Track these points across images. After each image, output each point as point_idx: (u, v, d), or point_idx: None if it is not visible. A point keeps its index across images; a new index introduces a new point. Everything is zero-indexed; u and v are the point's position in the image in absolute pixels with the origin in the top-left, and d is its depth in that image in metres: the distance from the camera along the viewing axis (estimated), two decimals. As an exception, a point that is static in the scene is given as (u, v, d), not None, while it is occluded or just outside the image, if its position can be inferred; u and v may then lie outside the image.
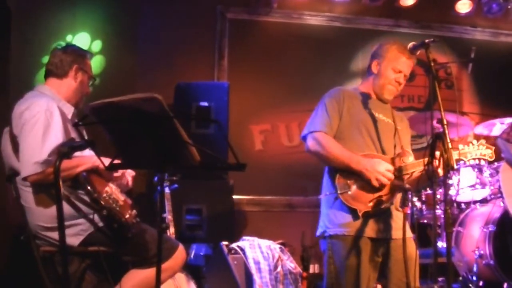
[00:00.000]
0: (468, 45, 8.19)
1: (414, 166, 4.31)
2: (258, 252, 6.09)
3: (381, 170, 4.21)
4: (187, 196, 6.11)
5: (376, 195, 4.24)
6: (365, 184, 4.25)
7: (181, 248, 4.35)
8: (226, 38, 7.81)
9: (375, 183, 4.20)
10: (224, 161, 4.14)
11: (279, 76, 7.87)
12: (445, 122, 3.86)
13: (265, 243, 6.26)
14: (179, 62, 7.50)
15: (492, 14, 8.48)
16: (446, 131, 3.81)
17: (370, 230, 4.26)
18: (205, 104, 6.43)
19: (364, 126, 4.49)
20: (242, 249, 6.07)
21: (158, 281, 3.33)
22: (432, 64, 4.08)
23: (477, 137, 7.87)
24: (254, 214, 7.54)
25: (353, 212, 4.24)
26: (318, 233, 4.49)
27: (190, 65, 7.56)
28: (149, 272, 4.04)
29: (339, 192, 4.23)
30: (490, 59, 8.52)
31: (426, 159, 3.76)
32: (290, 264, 6.11)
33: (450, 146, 3.74)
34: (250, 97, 7.77)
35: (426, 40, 4.13)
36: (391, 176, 4.22)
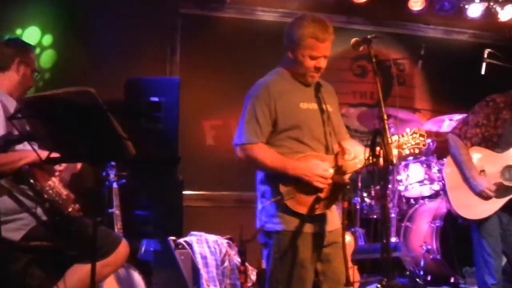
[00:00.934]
0: (421, 42, 8.31)
1: (355, 165, 4.27)
2: (205, 247, 6.09)
3: (319, 172, 4.11)
4: (136, 191, 6.09)
5: (321, 195, 4.19)
6: (307, 186, 4.16)
7: (124, 243, 4.33)
8: (179, 33, 7.79)
9: (318, 185, 4.13)
10: (159, 154, 4.13)
11: (231, 72, 7.86)
12: (385, 118, 3.89)
13: (212, 238, 6.25)
14: (131, 57, 7.43)
15: (444, 12, 8.58)
16: (386, 127, 3.83)
17: (313, 225, 4.23)
18: (156, 99, 6.41)
19: (306, 125, 4.32)
20: (189, 244, 6.06)
21: (93, 276, 3.33)
22: (374, 60, 4.12)
23: (428, 133, 8.04)
24: (205, 209, 7.55)
25: (298, 215, 4.18)
26: (258, 225, 4.40)
27: (142, 60, 7.50)
28: (93, 267, 4.03)
29: (285, 198, 4.15)
30: (443, 56, 8.65)
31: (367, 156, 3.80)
32: (238, 259, 6.10)
33: (390, 141, 3.78)
34: (202, 92, 7.76)
35: (369, 36, 4.14)
36: (329, 175, 4.16)
